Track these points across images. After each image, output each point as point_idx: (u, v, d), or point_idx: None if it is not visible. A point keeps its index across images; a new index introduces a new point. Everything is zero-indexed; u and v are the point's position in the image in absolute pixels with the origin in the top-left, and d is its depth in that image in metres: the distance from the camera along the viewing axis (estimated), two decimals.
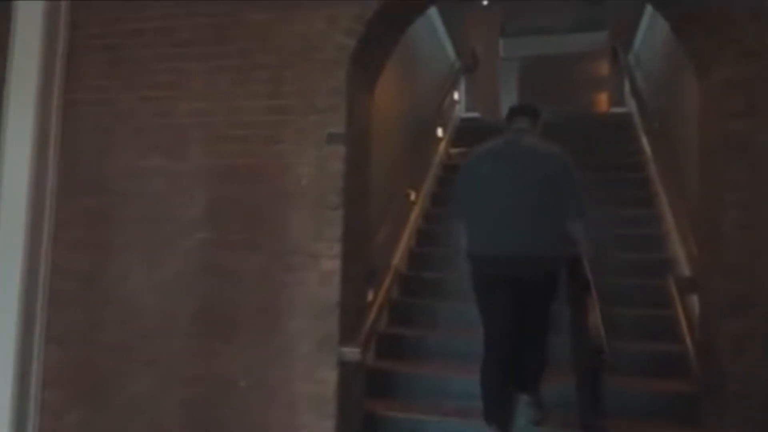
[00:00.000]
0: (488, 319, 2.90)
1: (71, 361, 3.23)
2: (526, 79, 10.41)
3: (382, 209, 4.12)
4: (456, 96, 7.64)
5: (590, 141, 5.90)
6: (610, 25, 8.58)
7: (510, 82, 10.34)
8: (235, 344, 3.04)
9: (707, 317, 2.78)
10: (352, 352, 2.88)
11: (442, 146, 6.62)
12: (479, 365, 2.86)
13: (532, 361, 2.91)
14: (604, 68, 10.50)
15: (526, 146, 2.92)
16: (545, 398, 3.04)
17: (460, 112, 7.72)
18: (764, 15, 2.62)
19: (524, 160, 2.87)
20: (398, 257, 4.70)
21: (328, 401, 2.87)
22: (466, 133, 6.87)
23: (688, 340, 2.89)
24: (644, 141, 6.17)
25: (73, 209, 3.34)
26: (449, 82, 6.78)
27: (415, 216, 5.33)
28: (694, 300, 3.14)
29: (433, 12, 6.46)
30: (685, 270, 4.22)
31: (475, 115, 8.12)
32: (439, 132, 6.53)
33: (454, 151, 6.85)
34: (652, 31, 6.21)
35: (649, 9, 6.21)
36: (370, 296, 3.61)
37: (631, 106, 7.27)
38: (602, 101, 10.67)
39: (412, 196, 5.26)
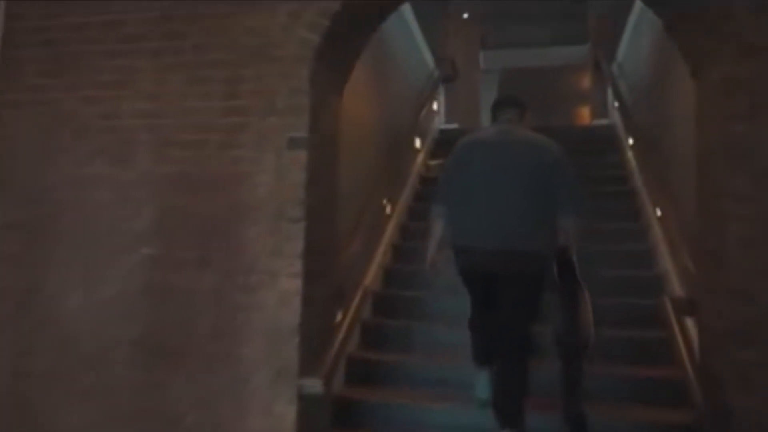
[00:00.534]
0: (473, 297, 2.92)
1: None
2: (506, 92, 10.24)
3: (353, 223, 3.81)
4: (435, 106, 7.39)
5: (572, 153, 5.66)
6: (591, 38, 8.42)
7: (490, 95, 10.15)
8: (182, 374, 2.70)
9: (709, 343, 2.51)
10: (313, 385, 2.56)
11: (420, 158, 6.35)
12: (460, 393, 2.90)
13: (512, 372, 2.64)
14: (585, 81, 10.40)
15: (518, 136, 2.78)
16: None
17: (440, 123, 7.46)
18: (767, 9, 2.38)
19: (516, 151, 2.71)
20: (371, 275, 4.38)
21: None
22: (446, 145, 6.57)
23: (688, 366, 2.61)
24: (629, 153, 5.95)
25: (6, 221, 2.99)
26: (428, 92, 6.52)
27: (390, 230, 5.03)
28: (691, 322, 2.87)
29: (411, 20, 6.23)
30: (677, 288, 3.97)
31: (455, 126, 7.89)
32: (417, 143, 6.26)
33: (432, 163, 6.58)
34: (636, 41, 6.03)
35: (632, 19, 6.04)
36: (339, 317, 3.30)
37: (615, 117, 7.09)
38: (584, 114, 10.55)
39: (388, 210, 4.96)
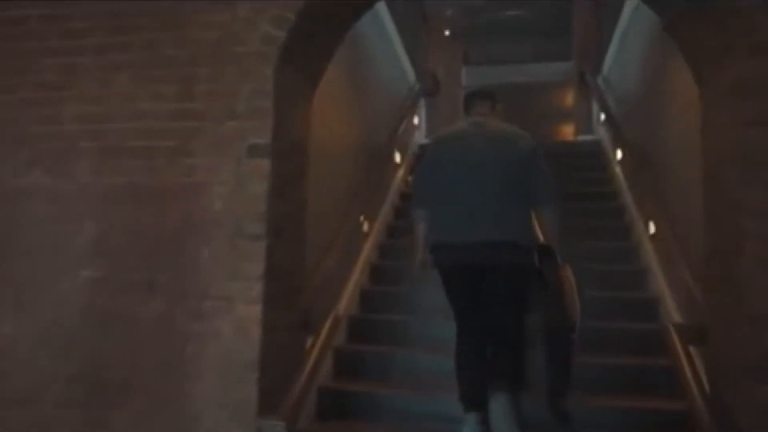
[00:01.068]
0: (455, 311, 2.69)
1: None
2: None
3: (325, 241, 3.50)
4: (416, 121, 7.14)
5: (557, 170, 5.44)
6: (576, 51, 8.27)
7: None
8: (125, 414, 2.35)
9: (722, 376, 2.22)
10: (274, 426, 2.22)
11: (400, 173, 6.07)
12: (443, 427, 2.60)
13: (501, 363, 2.56)
14: (569, 98, 10.28)
15: (491, 128, 2.70)
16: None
17: (421, 138, 7.20)
18: None
19: (489, 142, 2.63)
20: (346, 297, 4.06)
21: None
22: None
23: (698, 399, 2.31)
24: (616, 168, 5.73)
25: None
26: (408, 106, 6.26)
27: (368, 249, 4.72)
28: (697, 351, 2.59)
29: (392, 32, 6.00)
30: (673, 312, 3.71)
31: None
32: (397, 157, 5.98)
33: (413, 178, 6.30)
34: (622, 53, 5.85)
35: (619, 31, 5.86)
36: (310, 344, 2.97)
37: (600, 132, 6.89)
38: (568, 132, 10.40)
39: (365, 227, 4.66)
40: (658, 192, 4.01)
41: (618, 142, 5.47)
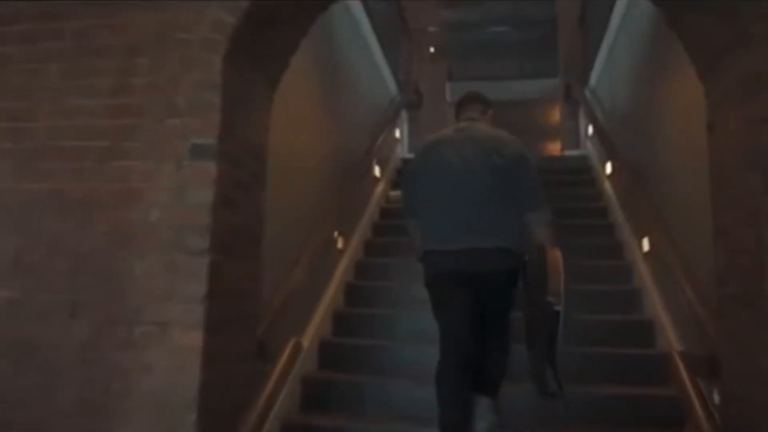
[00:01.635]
0: (443, 323, 2.55)
1: None
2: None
3: (291, 258, 3.15)
4: (398, 134, 6.85)
5: (543, 186, 5.16)
6: (562, 65, 8.07)
7: None
8: None
9: (741, 416, 1.90)
10: None
11: (379, 188, 5.75)
12: None
13: (494, 365, 2.57)
14: (555, 114, 10.10)
15: (478, 132, 2.62)
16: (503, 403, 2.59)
17: (403, 152, 6.90)
18: None
19: (477, 147, 2.54)
20: (317, 320, 3.71)
21: None
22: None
23: None
24: (606, 183, 5.46)
25: None
26: (389, 117, 5.97)
27: (343, 267, 4.38)
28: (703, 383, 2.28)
29: (372, 43, 5.73)
30: (671, 336, 3.41)
31: None
32: (377, 171, 5.68)
33: (394, 194, 5.99)
34: (610, 64, 5.62)
35: (606, 42, 5.65)
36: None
37: (588, 147, 6.64)
38: (554, 148, 10.21)
39: (339, 244, 4.32)
40: (653, 207, 3.72)
41: (608, 155, 5.21)
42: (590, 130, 6.49)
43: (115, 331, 1.99)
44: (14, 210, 2.16)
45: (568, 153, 7.19)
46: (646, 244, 4.00)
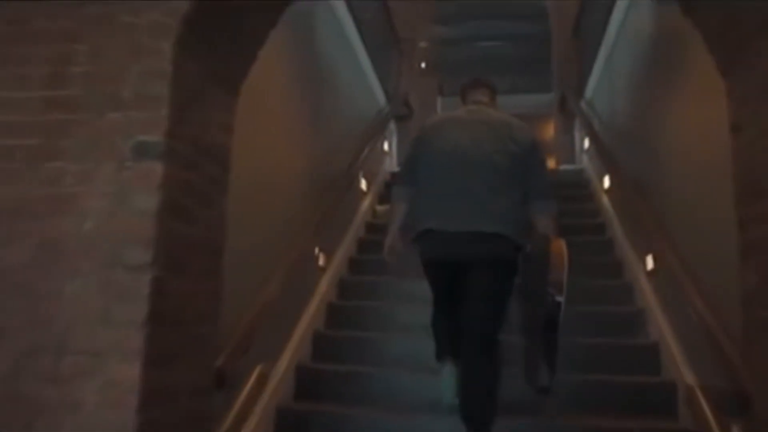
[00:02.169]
0: (436, 298, 2.65)
1: None
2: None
3: (264, 275, 2.85)
4: (386, 147, 6.59)
5: None
6: (555, 79, 7.86)
7: None
8: None
9: None
10: None
11: (366, 202, 5.47)
12: None
13: (484, 379, 2.39)
14: (549, 130, 9.89)
15: (490, 115, 2.58)
16: None
17: (391, 165, 6.63)
18: None
19: (489, 129, 2.49)
20: (295, 343, 3.40)
21: None
22: None
23: None
24: (604, 198, 5.20)
25: None
26: (376, 129, 5.70)
27: (325, 286, 4.07)
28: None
29: (361, 53, 5.49)
30: (679, 362, 3.11)
31: None
32: (364, 185, 5.40)
33: (381, 208, 5.71)
34: (609, 76, 5.39)
35: (603, 52, 5.43)
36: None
37: (584, 161, 6.40)
38: (549, 164, 10.00)
39: (321, 260, 4.02)
40: (659, 222, 3.45)
41: (606, 168, 4.95)
42: (586, 143, 6.26)
43: (39, 361, 1.68)
44: None
45: (563, 167, 6.93)
46: (650, 262, 3.72)
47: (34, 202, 1.78)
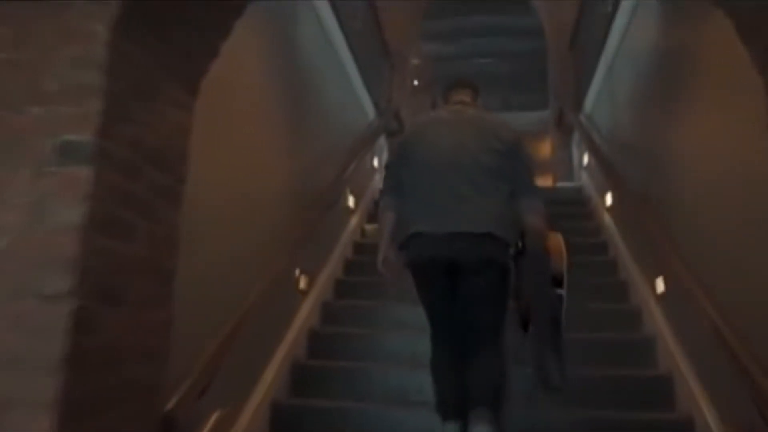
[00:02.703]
0: (430, 311, 2.50)
1: None
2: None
3: (233, 301, 2.51)
4: (376, 163, 6.30)
5: None
6: (552, 93, 7.62)
7: None
8: None
9: None
10: None
11: (353, 220, 5.15)
12: None
13: (487, 376, 2.34)
14: (545, 147, 9.66)
15: (473, 115, 2.56)
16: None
17: (381, 182, 6.31)
18: None
19: (471, 129, 2.47)
20: (270, 376, 3.06)
21: None
22: None
23: None
24: (605, 216, 4.91)
25: None
26: (365, 143, 5.39)
27: (306, 311, 3.74)
28: None
29: (348, 61, 5.22)
30: (698, 395, 2.80)
31: None
32: (351, 202, 5.09)
33: (370, 227, 5.40)
34: (609, 88, 5.14)
35: (603, 64, 5.18)
36: None
37: (583, 178, 6.12)
38: (546, 182, 9.75)
39: (302, 283, 3.69)
40: (671, 242, 3.14)
41: (608, 184, 4.67)
42: (585, 159, 5.99)
43: None
44: None
45: (561, 185, 6.66)
46: (660, 285, 3.41)
47: None
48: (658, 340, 3.42)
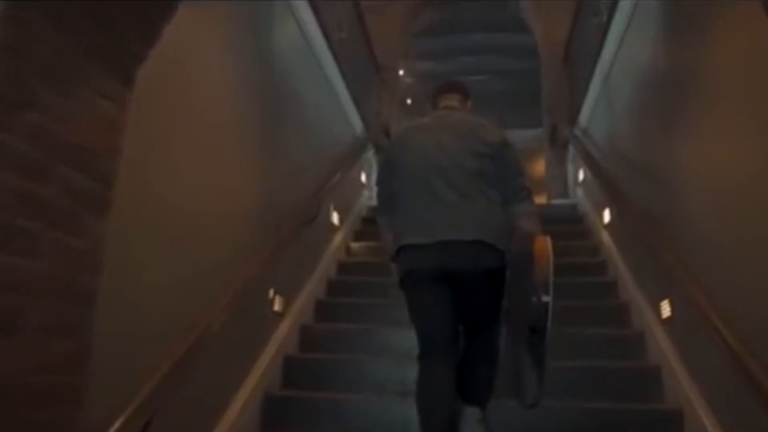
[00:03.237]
0: (421, 325, 2.39)
1: None
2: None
3: (188, 322, 2.20)
4: (363, 178, 6.03)
5: None
6: (545, 108, 7.40)
7: None
8: None
9: None
10: None
11: (338, 237, 4.86)
12: None
13: (479, 379, 2.40)
14: (539, 165, 9.46)
15: (458, 120, 2.51)
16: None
17: (369, 199, 6.04)
18: None
19: (457, 135, 2.42)
20: (236, 409, 2.74)
21: None
22: (375, 225, 5.16)
23: None
24: (603, 234, 4.64)
25: None
26: (350, 156, 5.11)
27: (282, 336, 3.42)
28: None
29: (334, 74, 4.98)
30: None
31: None
32: (336, 219, 4.80)
33: (356, 245, 5.12)
34: (606, 100, 4.91)
35: (598, 76, 4.95)
36: None
37: (579, 195, 5.86)
38: (539, 200, 9.54)
39: (277, 305, 3.38)
40: (678, 261, 2.85)
41: (607, 200, 4.40)
42: (580, 175, 5.75)
43: None
44: None
45: (556, 202, 6.40)
46: (666, 308, 3.13)
47: None
48: (664, 371, 3.12)
